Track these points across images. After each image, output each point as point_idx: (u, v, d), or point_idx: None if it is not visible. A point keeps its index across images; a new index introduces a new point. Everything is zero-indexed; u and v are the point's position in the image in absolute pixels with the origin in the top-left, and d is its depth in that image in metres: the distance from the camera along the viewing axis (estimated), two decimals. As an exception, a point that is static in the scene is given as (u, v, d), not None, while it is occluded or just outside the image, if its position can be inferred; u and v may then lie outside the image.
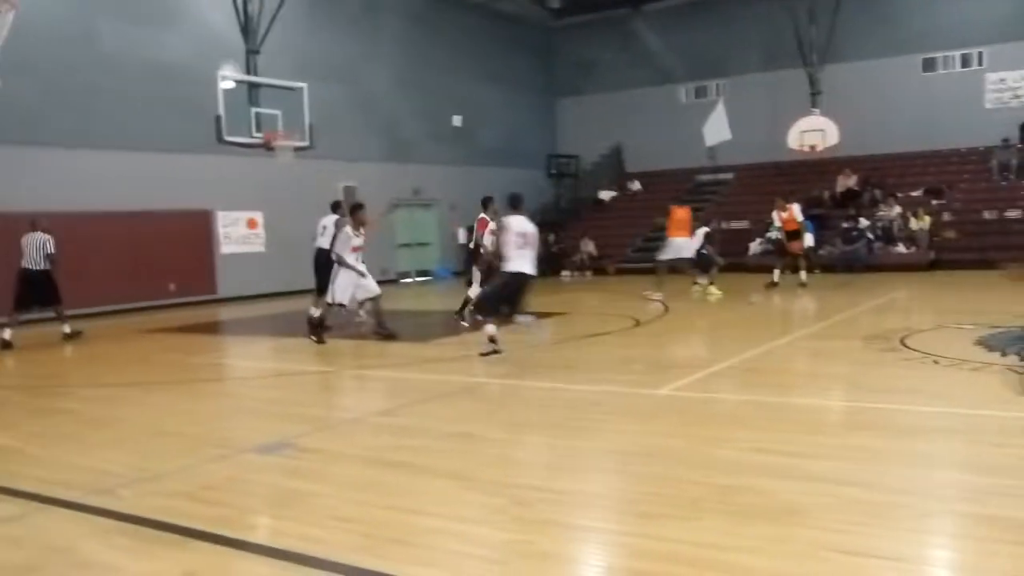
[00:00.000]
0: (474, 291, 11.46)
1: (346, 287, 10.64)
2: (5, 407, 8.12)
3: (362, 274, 10.69)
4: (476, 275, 11.72)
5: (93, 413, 7.53)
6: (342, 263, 10.53)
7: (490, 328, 9.03)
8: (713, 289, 15.13)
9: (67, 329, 12.62)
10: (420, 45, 24.10)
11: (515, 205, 9.16)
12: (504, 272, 8.96)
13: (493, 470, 5.12)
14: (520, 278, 8.94)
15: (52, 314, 12.63)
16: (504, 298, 9.09)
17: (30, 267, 12.08)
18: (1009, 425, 5.65)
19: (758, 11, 25.16)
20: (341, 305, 10.82)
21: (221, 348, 11.68)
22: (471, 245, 12.21)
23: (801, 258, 16.49)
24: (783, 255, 16.69)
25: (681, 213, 15.41)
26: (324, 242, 11.80)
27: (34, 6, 14.08)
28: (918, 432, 5.68)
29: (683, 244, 15.16)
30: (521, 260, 8.86)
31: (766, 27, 24.90)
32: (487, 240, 11.44)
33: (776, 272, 16.26)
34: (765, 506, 4.21)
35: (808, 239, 20.01)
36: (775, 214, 16.44)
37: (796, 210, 16.42)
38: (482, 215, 11.89)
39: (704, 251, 15.40)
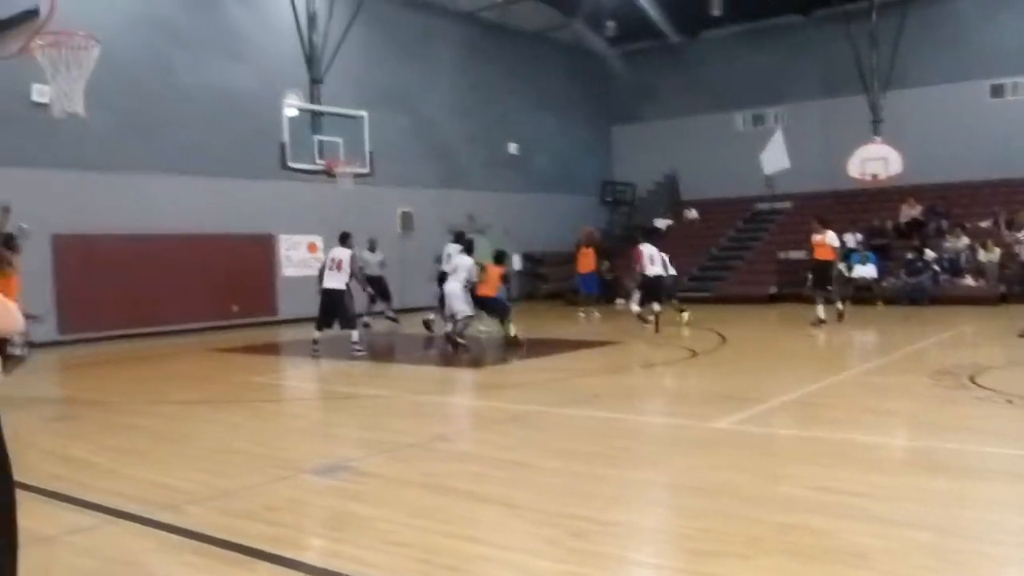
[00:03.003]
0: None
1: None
2: (81, 421, 8.40)
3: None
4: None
5: (162, 429, 7.74)
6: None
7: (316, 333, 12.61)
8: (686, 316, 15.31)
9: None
10: (476, 73, 24.41)
11: (343, 240, 12.80)
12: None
13: (548, 499, 5.12)
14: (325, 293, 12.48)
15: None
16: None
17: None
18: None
19: (817, 37, 24.95)
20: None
21: (282, 369, 11.91)
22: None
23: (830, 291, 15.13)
24: (816, 285, 15.12)
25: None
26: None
27: (112, 39, 14.64)
28: (989, 475, 5.51)
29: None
30: (328, 279, 12.51)
31: (825, 53, 24.65)
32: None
33: (819, 308, 14.81)
34: (827, 547, 4.13)
35: (870, 270, 19.70)
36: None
37: (831, 236, 15.06)
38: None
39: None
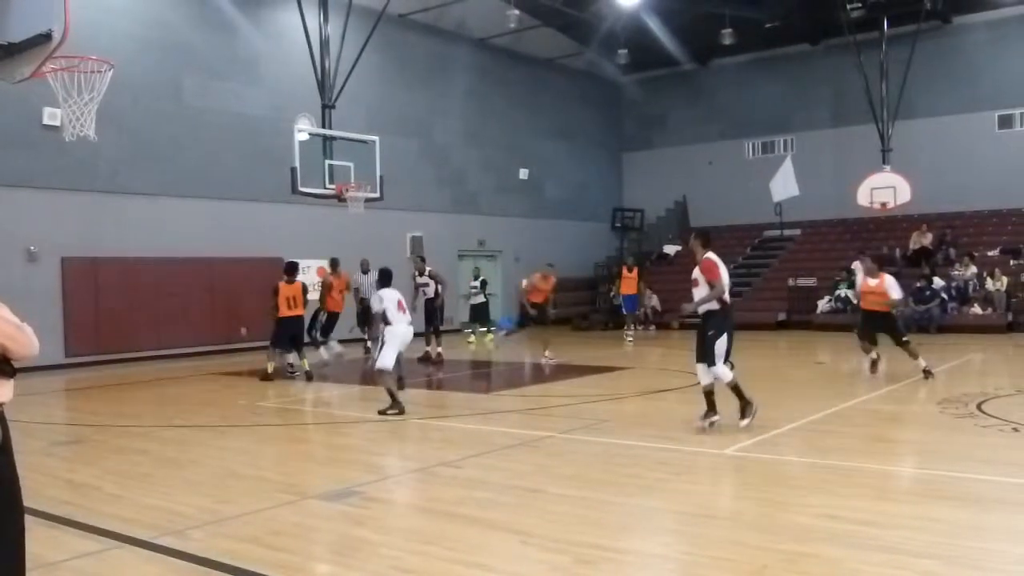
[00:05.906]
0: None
1: None
2: (87, 446, 8.42)
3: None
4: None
5: (168, 454, 7.74)
6: None
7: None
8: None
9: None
10: (488, 99, 24.59)
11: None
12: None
13: (556, 526, 5.10)
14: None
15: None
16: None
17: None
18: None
19: (827, 67, 25.11)
20: None
21: (288, 393, 11.89)
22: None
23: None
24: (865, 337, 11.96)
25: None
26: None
27: (124, 62, 14.86)
28: (998, 504, 5.47)
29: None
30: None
31: (835, 83, 24.83)
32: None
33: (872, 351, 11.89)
34: (836, 576, 4.10)
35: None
36: (858, 270, 11.92)
37: (890, 282, 11.65)
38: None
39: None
